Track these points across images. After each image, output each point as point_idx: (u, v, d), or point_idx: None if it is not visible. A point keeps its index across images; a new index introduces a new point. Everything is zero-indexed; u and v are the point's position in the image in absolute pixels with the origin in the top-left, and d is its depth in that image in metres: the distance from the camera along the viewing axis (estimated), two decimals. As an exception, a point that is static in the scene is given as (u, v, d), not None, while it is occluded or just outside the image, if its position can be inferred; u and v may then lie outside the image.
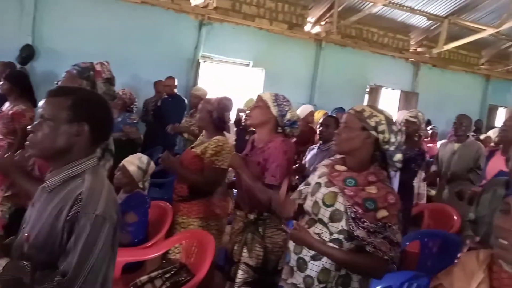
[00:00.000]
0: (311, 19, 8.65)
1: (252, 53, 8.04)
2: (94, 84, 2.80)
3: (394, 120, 1.84)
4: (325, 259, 1.78)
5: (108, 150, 2.75)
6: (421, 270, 2.77)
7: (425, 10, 8.71)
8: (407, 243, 3.39)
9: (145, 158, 3.03)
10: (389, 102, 10.02)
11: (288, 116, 2.42)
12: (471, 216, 2.54)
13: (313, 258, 1.81)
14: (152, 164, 3.07)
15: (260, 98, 2.46)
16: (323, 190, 1.84)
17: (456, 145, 4.34)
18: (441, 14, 8.84)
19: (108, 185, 1.36)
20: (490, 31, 8.69)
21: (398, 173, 2.64)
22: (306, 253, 1.83)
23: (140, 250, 2.80)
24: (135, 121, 5.01)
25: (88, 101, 1.37)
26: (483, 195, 2.49)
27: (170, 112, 5.75)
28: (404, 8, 8.54)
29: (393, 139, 1.79)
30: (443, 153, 4.48)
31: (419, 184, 5.45)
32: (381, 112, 1.83)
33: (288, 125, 2.45)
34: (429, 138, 7.83)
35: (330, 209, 1.78)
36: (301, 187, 2.03)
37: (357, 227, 1.69)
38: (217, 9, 7.39)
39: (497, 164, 3.17)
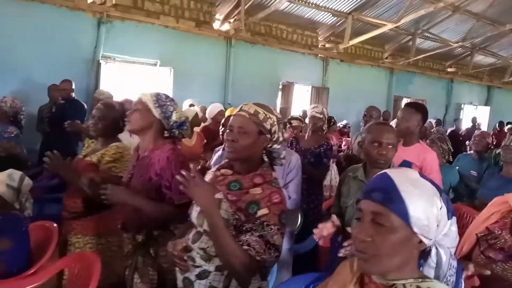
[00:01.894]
0: (219, 16, 8.46)
1: (159, 52, 7.66)
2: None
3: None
4: (211, 277, 1.61)
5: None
6: (333, 265, 2.71)
7: (330, 7, 8.92)
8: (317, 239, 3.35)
9: (16, 174, 2.61)
10: (301, 98, 10.18)
11: (174, 117, 2.16)
12: (334, 210, 2.42)
13: (199, 277, 1.63)
14: (27, 180, 2.66)
15: (139, 100, 2.16)
16: None
17: None
18: (345, 11, 9.12)
19: None
20: (390, 26, 9.13)
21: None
22: (191, 273, 1.65)
23: (15, 281, 2.41)
24: (12, 134, 4.31)
25: None
26: (342, 186, 2.40)
27: (67, 118, 5.21)
28: (310, 4, 8.67)
29: (281, 138, 1.71)
30: (355, 145, 4.55)
31: (331, 177, 5.52)
32: (271, 112, 1.71)
33: (176, 127, 2.19)
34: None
35: None
36: None
37: (238, 234, 1.54)
38: (117, 6, 6.92)
39: (399, 154, 3.21)
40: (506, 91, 15.66)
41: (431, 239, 1.02)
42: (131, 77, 7.47)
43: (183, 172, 1.50)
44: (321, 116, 3.89)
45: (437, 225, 1.01)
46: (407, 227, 0.98)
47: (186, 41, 8.00)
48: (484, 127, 13.22)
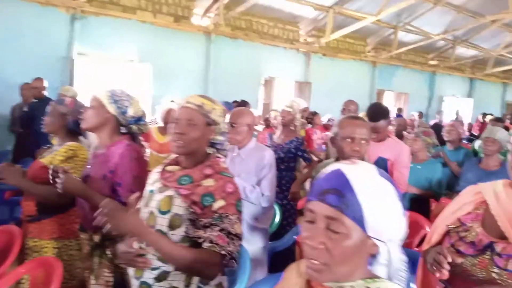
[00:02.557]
0: (198, 11, 8.32)
1: (137, 49, 7.51)
2: None
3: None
4: (171, 277, 1.54)
5: None
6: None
7: (311, 1, 8.84)
8: (295, 236, 3.29)
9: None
10: (284, 93, 10.10)
11: (130, 112, 2.07)
12: None
13: (158, 279, 1.55)
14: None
15: (93, 97, 2.07)
16: (157, 196, 1.60)
17: None
18: (326, 4, 9.04)
19: None
20: (371, 19, 9.09)
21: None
22: (149, 276, 1.56)
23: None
24: None
25: None
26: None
27: (40, 118, 5.07)
28: (290, -2, 8.59)
29: (224, 129, 1.71)
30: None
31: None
32: (215, 102, 1.69)
33: (133, 123, 2.10)
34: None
35: (167, 216, 1.55)
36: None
37: (195, 228, 1.51)
38: (92, 2, 6.76)
39: (375, 150, 3.14)
40: (488, 83, 15.79)
41: (385, 241, 0.94)
42: (108, 74, 7.29)
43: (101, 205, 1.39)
44: (291, 110, 3.81)
45: (392, 225, 0.94)
46: (361, 231, 0.90)
47: (165, 37, 7.85)
48: (467, 119, 13.30)
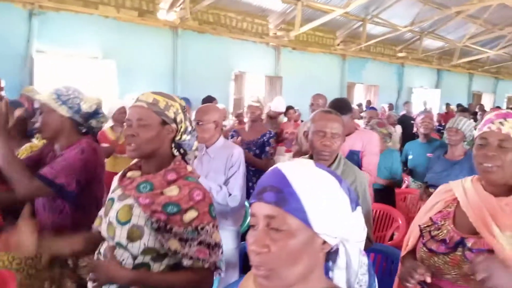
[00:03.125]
0: (163, 5, 8.08)
1: (100, 45, 7.24)
2: None
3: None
4: None
5: None
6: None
7: (278, -6, 8.76)
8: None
9: None
10: (255, 88, 10.00)
11: (84, 108, 1.89)
12: None
13: None
14: None
15: (40, 103, 1.88)
16: (117, 205, 1.47)
17: None
18: (294, -3, 8.98)
19: None
20: (339, 11, 9.07)
21: None
22: None
23: None
24: None
25: None
26: None
27: (-4, 119, 4.82)
28: (258, -9, 8.48)
29: (189, 128, 1.55)
30: (301, 134, 4.40)
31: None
32: (174, 99, 1.52)
33: (91, 118, 1.93)
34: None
35: (127, 227, 1.41)
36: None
37: (166, 238, 1.38)
38: (50, -4, 6.45)
39: (345, 144, 3.08)
40: (455, 74, 16.15)
41: (336, 237, 0.87)
42: (70, 72, 6.98)
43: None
44: (258, 104, 3.73)
45: (341, 220, 0.87)
46: (307, 228, 0.83)
47: (129, 32, 7.61)
48: (435, 110, 13.56)
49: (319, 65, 11.23)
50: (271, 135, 3.80)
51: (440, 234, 1.52)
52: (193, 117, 2.74)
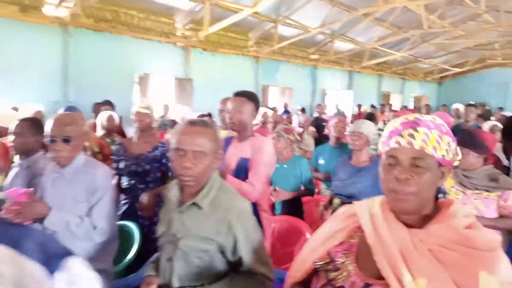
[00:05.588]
0: (51, 0, 7.13)
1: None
2: None
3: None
4: None
5: None
6: None
7: (184, -10, 8.19)
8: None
9: None
10: (164, 91, 9.33)
11: None
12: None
13: None
14: None
15: None
16: None
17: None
18: (201, -5, 8.46)
19: None
20: (248, 11, 8.71)
21: None
22: None
23: None
24: None
25: None
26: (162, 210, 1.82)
27: None
28: (161, -13, 7.83)
29: None
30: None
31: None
32: None
33: None
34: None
35: None
36: None
37: None
38: None
39: (237, 151, 2.62)
40: (365, 75, 16.68)
41: None
42: None
43: None
44: (148, 111, 3.16)
45: None
46: None
47: (10, 30, 6.61)
48: (348, 111, 13.81)
49: (232, 67, 10.83)
50: (164, 148, 3.23)
51: (339, 277, 1.17)
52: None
